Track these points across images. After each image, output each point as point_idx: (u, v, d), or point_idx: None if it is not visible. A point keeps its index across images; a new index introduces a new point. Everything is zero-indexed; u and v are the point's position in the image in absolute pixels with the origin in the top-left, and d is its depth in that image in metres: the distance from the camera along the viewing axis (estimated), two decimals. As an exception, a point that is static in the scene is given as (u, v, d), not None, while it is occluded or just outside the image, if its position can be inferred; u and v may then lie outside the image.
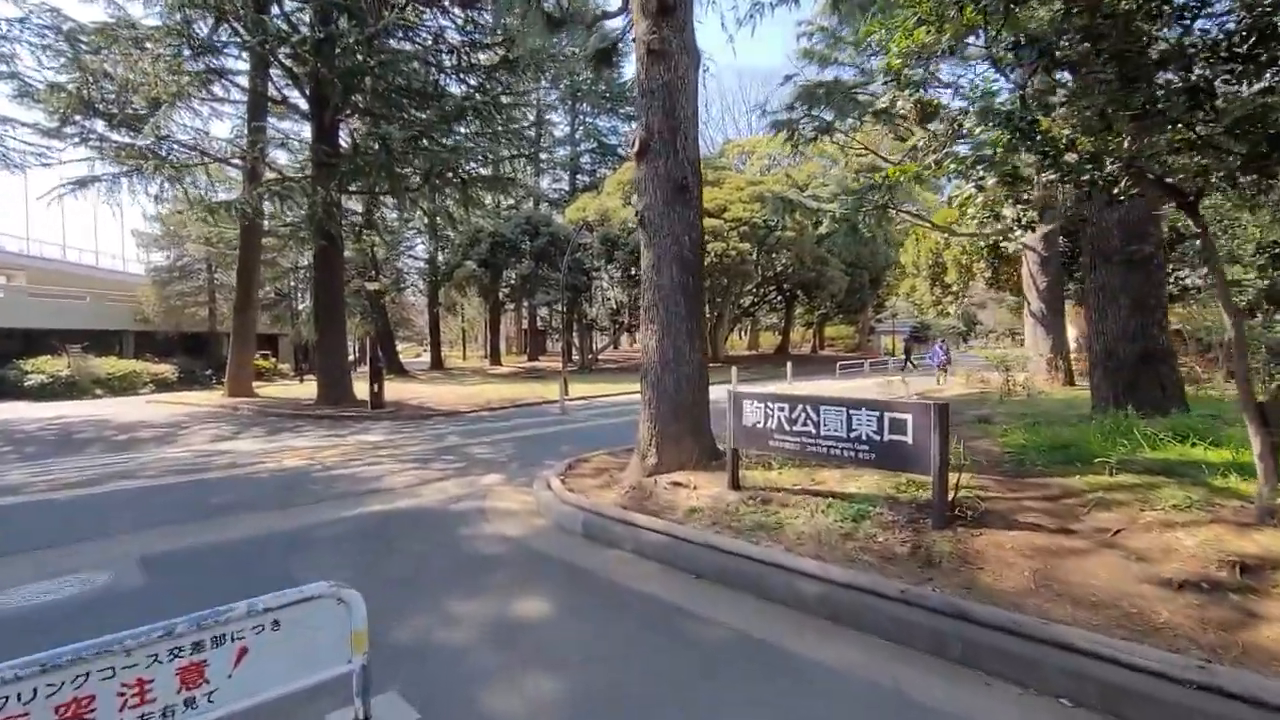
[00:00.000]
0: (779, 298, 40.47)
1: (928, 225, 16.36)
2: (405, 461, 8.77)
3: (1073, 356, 13.83)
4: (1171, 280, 12.21)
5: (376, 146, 13.72)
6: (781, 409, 4.96)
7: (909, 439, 4.17)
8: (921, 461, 4.11)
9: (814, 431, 4.72)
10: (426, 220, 31.11)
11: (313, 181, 14.25)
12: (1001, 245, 16.54)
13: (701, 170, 6.67)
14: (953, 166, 5.37)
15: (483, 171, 16.59)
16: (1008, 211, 12.82)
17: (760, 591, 3.81)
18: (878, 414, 4.35)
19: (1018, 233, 13.68)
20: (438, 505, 6.26)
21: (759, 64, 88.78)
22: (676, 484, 5.77)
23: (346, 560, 4.63)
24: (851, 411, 4.50)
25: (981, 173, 4.77)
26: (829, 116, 13.09)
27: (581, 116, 44.20)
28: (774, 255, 27.93)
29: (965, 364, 21.00)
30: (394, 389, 20.75)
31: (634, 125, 6.58)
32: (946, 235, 18.33)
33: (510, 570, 4.37)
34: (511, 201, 39.90)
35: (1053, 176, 4.33)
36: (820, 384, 23.34)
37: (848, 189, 14.98)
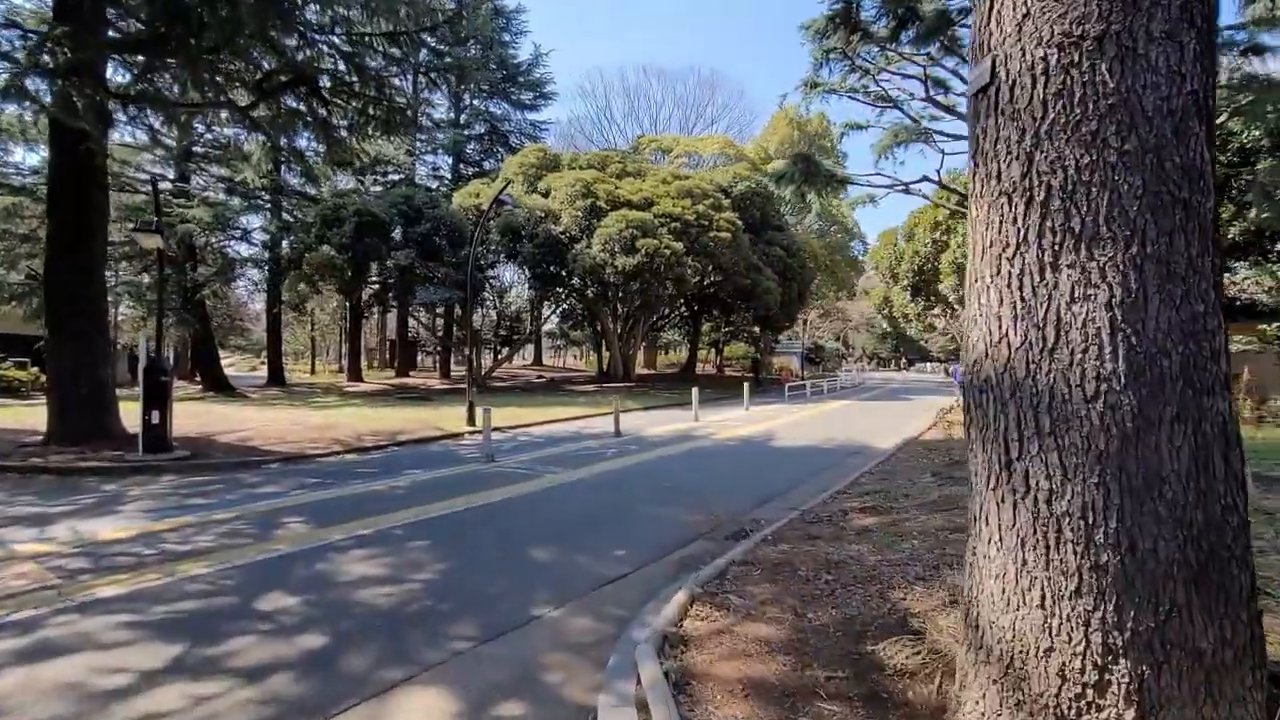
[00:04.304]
0: (687, 312, 37.04)
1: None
2: (145, 650, 3.34)
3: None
4: None
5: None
6: None
7: None
8: None
9: None
10: (267, 194, 23.70)
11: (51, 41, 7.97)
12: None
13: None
14: None
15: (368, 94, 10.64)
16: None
17: None
18: None
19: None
20: None
21: (667, 63, 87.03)
22: None
23: None
24: None
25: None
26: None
27: (468, 98, 38.07)
28: (708, 259, 24.08)
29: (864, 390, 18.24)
30: (206, 414, 13.99)
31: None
32: (943, 234, 15.46)
33: None
34: (380, 188, 32.89)
35: None
36: (790, 414, 19.62)
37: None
